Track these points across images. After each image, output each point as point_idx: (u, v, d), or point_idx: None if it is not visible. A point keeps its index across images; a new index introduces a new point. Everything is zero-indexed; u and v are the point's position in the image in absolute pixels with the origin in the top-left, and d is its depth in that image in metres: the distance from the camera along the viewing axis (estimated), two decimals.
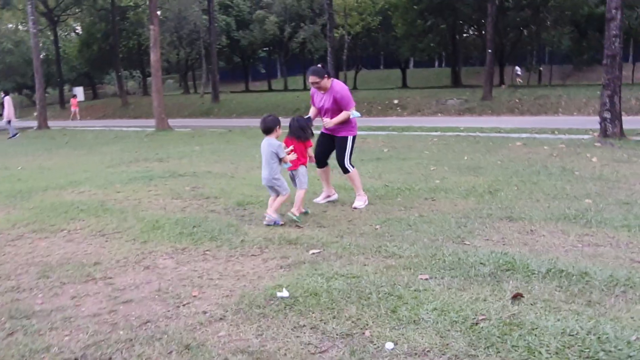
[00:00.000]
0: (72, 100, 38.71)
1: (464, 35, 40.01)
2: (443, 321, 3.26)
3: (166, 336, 3.21)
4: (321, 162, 6.72)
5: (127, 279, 4.24)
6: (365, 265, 4.33)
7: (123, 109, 38.08)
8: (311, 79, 6.31)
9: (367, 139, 14.18)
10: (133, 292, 3.96)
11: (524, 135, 14.06)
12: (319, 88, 6.38)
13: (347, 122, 6.44)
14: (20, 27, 49.68)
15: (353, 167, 6.63)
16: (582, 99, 21.72)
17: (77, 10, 46.81)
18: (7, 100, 22.22)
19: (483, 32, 33.98)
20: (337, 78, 29.01)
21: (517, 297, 3.62)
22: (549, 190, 7.06)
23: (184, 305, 3.70)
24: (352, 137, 6.55)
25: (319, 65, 6.45)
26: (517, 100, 22.97)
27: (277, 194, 5.89)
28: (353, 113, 6.40)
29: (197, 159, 11.59)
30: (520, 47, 36.89)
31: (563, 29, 32.37)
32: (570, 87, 27.42)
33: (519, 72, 43.08)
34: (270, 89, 48.43)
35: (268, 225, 5.66)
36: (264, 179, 5.89)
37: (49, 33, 47.14)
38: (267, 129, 5.83)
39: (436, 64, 56.07)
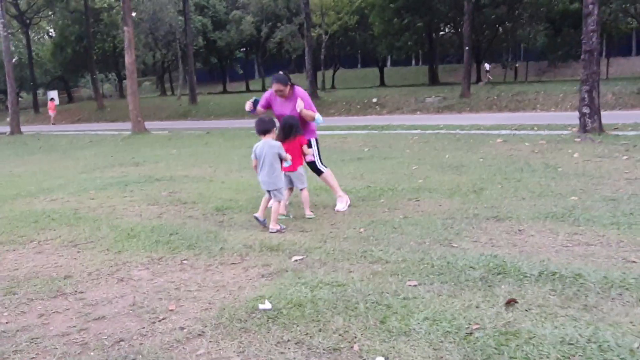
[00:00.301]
0: (50, 104, 37.80)
1: (441, 33, 40.05)
2: (435, 332, 3.09)
3: (140, 356, 2.99)
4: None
5: (100, 293, 4.00)
6: (350, 272, 4.15)
7: (99, 112, 37.45)
8: (276, 86, 6.15)
9: (347, 138, 14.03)
10: (105, 308, 3.72)
11: (503, 132, 14.00)
12: (282, 95, 6.21)
13: (306, 126, 6.26)
14: None
15: (326, 167, 6.52)
16: (559, 95, 21.81)
17: (49, 12, 45.96)
18: None
19: (459, 30, 34.10)
20: (316, 78, 28.99)
21: (510, 303, 3.47)
22: (533, 187, 6.95)
23: (160, 320, 3.48)
24: (314, 139, 6.43)
25: (281, 73, 6.32)
26: (495, 97, 23.00)
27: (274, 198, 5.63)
28: (317, 118, 6.23)
29: (174, 162, 11.32)
30: (496, 44, 37.05)
31: (538, 25, 32.58)
32: (547, 83, 27.61)
33: (488, 69, 43.20)
34: (248, 90, 48.05)
35: (272, 232, 5.43)
36: (265, 183, 5.60)
37: (22, 36, 46.18)
38: (265, 130, 5.61)
39: (413, 62, 56.18)
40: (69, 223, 6.10)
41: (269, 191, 5.62)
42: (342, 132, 16.36)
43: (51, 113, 36.60)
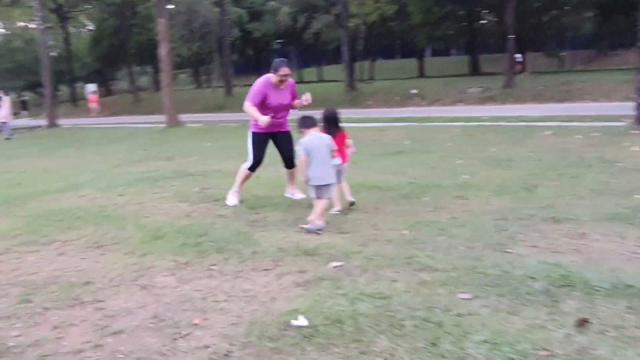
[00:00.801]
0: (92, 97, 37.27)
1: (481, 22, 38.88)
2: (496, 358, 2.64)
3: None
4: (290, 162, 6.50)
5: (120, 303, 3.66)
6: (394, 281, 3.72)
7: (135, 105, 37.69)
8: (287, 70, 5.98)
9: (386, 131, 13.53)
10: (125, 320, 3.38)
11: (551, 123, 13.29)
12: (282, 83, 6.05)
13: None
14: (31, 25, 49.40)
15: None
16: (609, 85, 20.78)
17: (87, 6, 46.43)
18: (6, 100, 21.67)
19: (501, 19, 33.00)
20: (353, 69, 28.33)
21: (582, 323, 2.99)
22: (591, 184, 6.38)
23: (182, 337, 3.12)
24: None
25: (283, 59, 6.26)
26: (541, 88, 22.08)
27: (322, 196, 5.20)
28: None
29: (207, 156, 11.02)
30: (539, 32, 35.74)
31: (587, 12, 31.22)
32: (596, 72, 26.41)
33: (520, 59, 41.76)
34: None
35: (309, 232, 5.01)
36: (317, 178, 5.12)
37: (60, 30, 46.82)
38: (313, 124, 5.32)
39: (453, 52, 54.94)
40: (95, 222, 5.81)
41: (319, 188, 5.19)
42: (381, 124, 15.85)
43: (94, 106, 36.06)
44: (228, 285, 3.85)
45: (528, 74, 26.48)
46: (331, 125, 5.65)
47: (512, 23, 22.24)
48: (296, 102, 6.26)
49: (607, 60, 37.20)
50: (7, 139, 20.34)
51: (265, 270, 4.13)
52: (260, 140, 6.34)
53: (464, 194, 6.21)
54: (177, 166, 9.73)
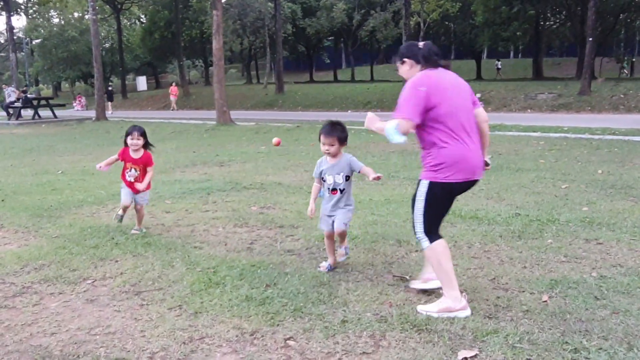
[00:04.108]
0: (172, 89, 34.11)
1: (548, 23, 36.79)
2: None
3: None
4: None
5: None
6: None
7: (185, 99, 37.04)
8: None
9: None
10: None
11: None
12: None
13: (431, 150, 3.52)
14: (86, 15, 49.66)
15: None
16: None
17: None
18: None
19: (572, 20, 31.01)
20: None
21: None
22: None
23: None
24: (429, 182, 3.53)
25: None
26: (621, 96, 20.20)
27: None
28: (392, 132, 3.41)
29: (263, 163, 9.89)
30: (612, 35, 33.48)
31: None
32: None
33: (499, 66, 41.80)
34: (336, 80, 46.56)
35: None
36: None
37: (113, 22, 46.85)
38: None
39: (511, 54, 52.71)
40: (136, 251, 4.72)
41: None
42: None
43: (173, 98, 33.61)
44: None
45: (602, 81, 24.50)
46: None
47: (594, 24, 20.40)
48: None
49: None
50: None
51: (364, 354, 2.92)
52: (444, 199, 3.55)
53: (597, 236, 4.86)
54: (231, 175, 8.63)
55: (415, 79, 3.40)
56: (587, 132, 13.22)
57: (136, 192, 5.25)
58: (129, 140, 5.17)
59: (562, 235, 4.93)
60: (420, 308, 3.43)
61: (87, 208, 6.55)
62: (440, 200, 3.46)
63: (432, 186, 3.39)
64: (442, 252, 3.43)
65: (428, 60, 3.49)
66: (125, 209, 5.31)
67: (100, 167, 5.23)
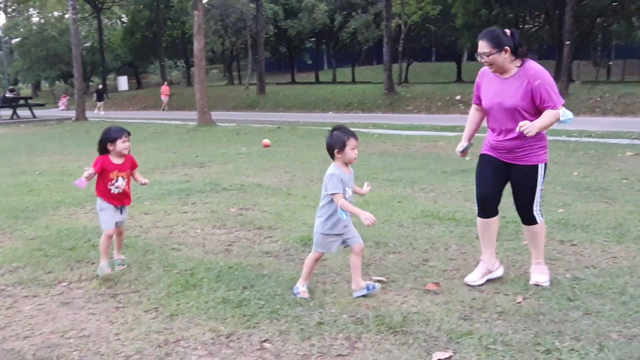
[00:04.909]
0: (164, 88, 33.28)
1: (528, 26, 37.19)
2: None
3: None
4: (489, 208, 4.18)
5: None
6: None
7: (161, 99, 36.77)
8: (481, 45, 3.71)
9: (438, 142, 12.23)
10: None
11: (624, 141, 11.89)
12: (491, 65, 3.77)
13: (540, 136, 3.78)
14: (66, 15, 49.12)
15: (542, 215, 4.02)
16: None
17: None
18: None
19: (550, 24, 31.38)
20: (391, 71, 26.94)
21: None
22: None
23: None
24: (544, 164, 3.87)
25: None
26: (598, 99, 20.48)
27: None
28: (565, 113, 3.75)
29: (243, 164, 9.87)
30: (589, 39, 33.95)
31: None
32: None
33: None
34: (317, 81, 46.59)
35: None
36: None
37: (94, 21, 46.41)
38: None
39: None
40: (113, 254, 4.68)
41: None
42: (429, 132, 14.56)
43: (164, 98, 32.83)
44: None
45: (579, 84, 24.83)
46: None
47: (571, 28, 20.65)
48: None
49: None
50: None
51: (340, 356, 2.94)
52: (485, 162, 4.12)
53: (572, 238, 4.93)
54: (211, 176, 8.60)
55: (544, 69, 3.71)
56: (564, 135, 13.37)
57: (128, 202, 4.39)
58: (119, 144, 4.15)
59: None
60: (536, 280, 3.83)
61: (64, 209, 6.49)
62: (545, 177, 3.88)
63: (546, 167, 3.86)
64: (544, 229, 4.06)
65: (525, 51, 3.74)
66: (109, 240, 4.21)
67: (80, 183, 4.11)
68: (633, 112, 18.81)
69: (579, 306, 3.47)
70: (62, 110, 37.81)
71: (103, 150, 4.21)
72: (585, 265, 4.23)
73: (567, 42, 20.50)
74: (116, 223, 4.25)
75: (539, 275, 3.86)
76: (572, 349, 2.92)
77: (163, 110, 32.25)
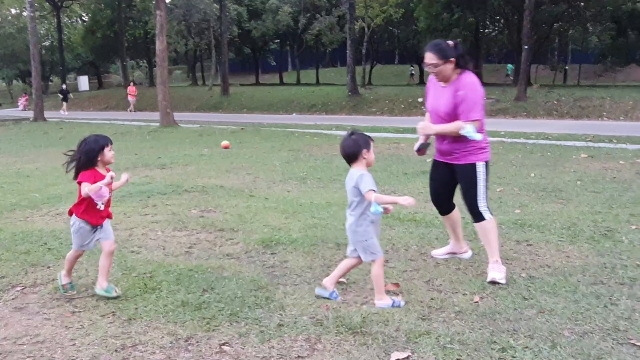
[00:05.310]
0: (130, 89, 32.37)
1: (487, 30, 37.91)
2: None
3: None
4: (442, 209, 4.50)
5: None
6: None
7: (127, 100, 36.19)
8: (427, 56, 3.95)
9: (400, 144, 12.36)
10: None
11: (578, 143, 12.21)
12: (437, 74, 4.00)
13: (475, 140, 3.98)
14: (24, 12, 47.89)
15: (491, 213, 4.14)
16: (628, 102, 19.71)
17: None
18: None
19: (510, 28, 32.04)
20: (354, 74, 27.09)
21: None
22: None
23: None
24: (483, 163, 4.08)
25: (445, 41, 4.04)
26: (554, 102, 20.99)
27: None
28: (467, 128, 3.87)
29: (206, 165, 9.80)
30: (547, 44, 34.79)
31: (602, 25, 30.23)
32: (609, 88, 25.35)
33: (413, 72, 45.06)
34: (281, 82, 46.53)
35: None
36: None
37: (54, 19, 45.37)
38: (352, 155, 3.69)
39: None
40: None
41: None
42: (392, 135, 14.71)
43: (131, 99, 31.77)
44: None
45: (537, 87, 25.41)
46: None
47: (529, 32, 21.13)
48: None
49: (615, 76, 36.34)
50: None
51: (300, 358, 2.95)
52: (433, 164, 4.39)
53: (528, 238, 5.05)
54: (172, 178, 8.51)
55: (475, 80, 3.93)
56: (522, 137, 13.68)
57: (111, 216, 3.92)
58: (107, 153, 3.71)
59: None
60: (492, 277, 3.92)
61: (19, 212, 6.33)
62: (488, 175, 4.08)
63: (487, 165, 4.06)
64: (495, 225, 4.14)
65: (466, 62, 3.98)
66: (76, 259, 3.93)
67: (104, 193, 3.67)
68: (588, 115, 19.34)
69: (533, 305, 3.56)
70: (21, 110, 36.87)
71: (92, 162, 3.68)
72: (540, 265, 4.34)
73: (526, 47, 20.97)
74: (98, 240, 3.79)
75: (496, 272, 3.96)
76: (526, 347, 2.99)
77: (130, 111, 31.51)
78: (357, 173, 3.58)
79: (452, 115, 3.96)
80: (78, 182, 3.67)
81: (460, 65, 3.94)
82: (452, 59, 3.88)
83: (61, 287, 3.85)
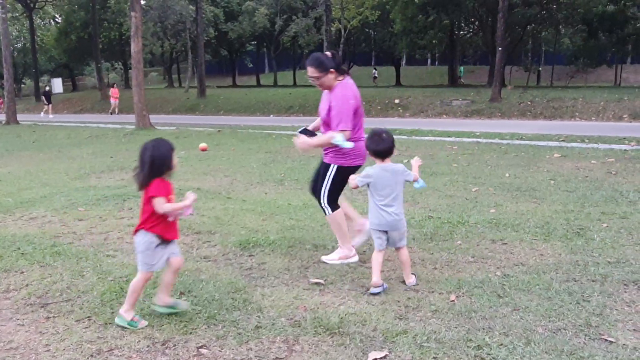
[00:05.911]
0: (113, 91, 31.65)
1: (462, 32, 38.34)
2: None
3: None
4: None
5: None
6: None
7: (102, 102, 35.81)
8: (309, 70, 4.31)
9: None
10: None
11: (552, 143, 12.41)
12: (321, 85, 4.34)
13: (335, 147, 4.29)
14: None
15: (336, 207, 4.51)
16: (599, 103, 20.08)
17: None
18: None
19: (484, 30, 32.42)
20: None
21: None
22: None
23: None
24: (336, 166, 4.37)
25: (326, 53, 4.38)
26: (528, 103, 21.29)
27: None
28: (337, 138, 4.13)
29: (182, 168, 9.73)
30: (520, 46, 35.30)
31: (574, 27, 30.80)
32: (582, 89, 25.81)
33: (376, 75, 46.77)
34: (258, 84, 46.45)
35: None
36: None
37: (26, 21, 44.65)
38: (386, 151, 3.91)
39: (429, 62, 54.51)
40: (44, 262, 4.54)
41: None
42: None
43: (113, 101, 31.12)
44: None
45: (511, 88, 25.76)
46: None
47: (503, 34, 21.43)
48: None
49: (587, 77, 37.00)
50: None
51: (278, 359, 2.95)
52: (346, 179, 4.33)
53: (503, 237, 5.12)
54: None
55: (345, 91, 4.22)
56: (497, 137, 13.85)
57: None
58: (175, 160, 3.47)
59: (470, 237, 5.15)
60: (324, 258, 4.49)
61: None
62: (345, 179, 4.27)
63: (340, 169, 4.32)
64: (342, 217, 4.46)
65: (343, 70, 4.34)
66: (144, 287, 3.47)
67: (189, 211, 3.50)
68: (560, 115, 19.66)
69: (508, 302, 3.61)
70: None
71: (167, 167, 3.37)
72: (514, 263, 4.40)
73: (500, 48, 21.25)
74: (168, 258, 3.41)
75: (332, 255, 4.54)
76: (501, 344, 3.04)
77: (112, 114, 30.97)
78: (399, 167, 3.91)
79: (329, 121, 4.33)
80: (149, 196, 3.28)
81: (340, 73, 4.32)
82: (332, 70, 4.24)
83: (130, 322, 3.29)
